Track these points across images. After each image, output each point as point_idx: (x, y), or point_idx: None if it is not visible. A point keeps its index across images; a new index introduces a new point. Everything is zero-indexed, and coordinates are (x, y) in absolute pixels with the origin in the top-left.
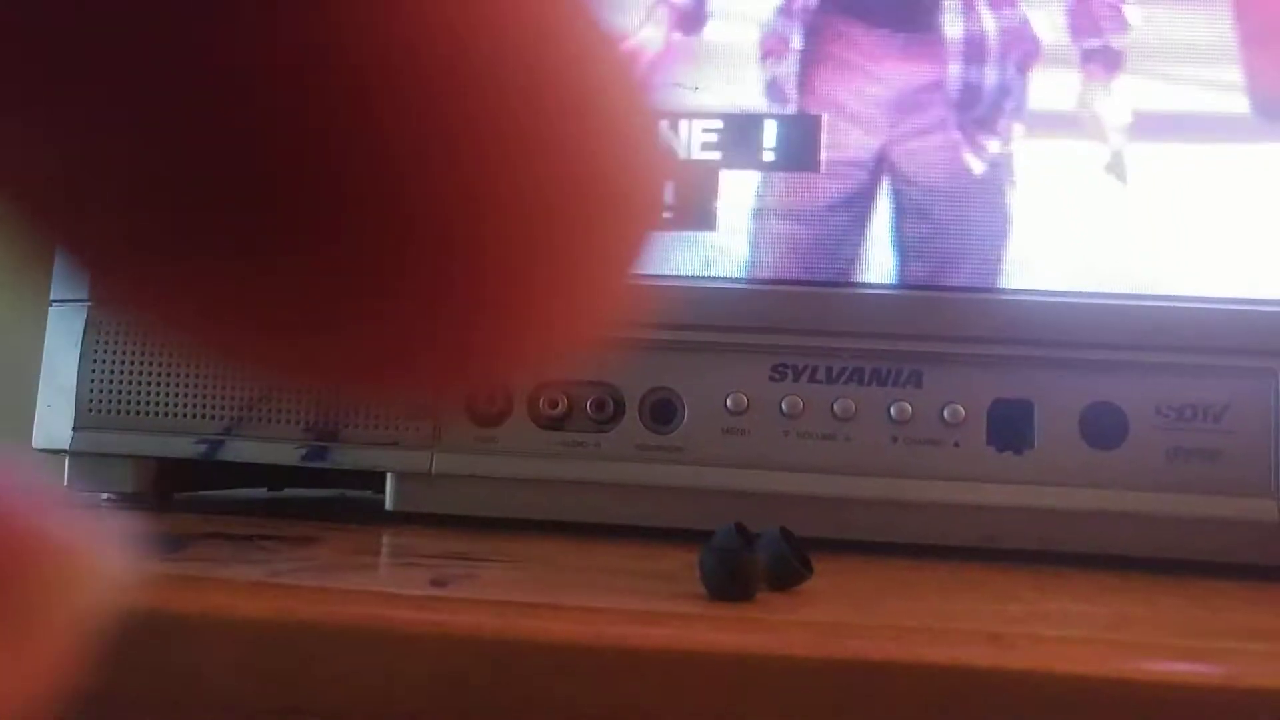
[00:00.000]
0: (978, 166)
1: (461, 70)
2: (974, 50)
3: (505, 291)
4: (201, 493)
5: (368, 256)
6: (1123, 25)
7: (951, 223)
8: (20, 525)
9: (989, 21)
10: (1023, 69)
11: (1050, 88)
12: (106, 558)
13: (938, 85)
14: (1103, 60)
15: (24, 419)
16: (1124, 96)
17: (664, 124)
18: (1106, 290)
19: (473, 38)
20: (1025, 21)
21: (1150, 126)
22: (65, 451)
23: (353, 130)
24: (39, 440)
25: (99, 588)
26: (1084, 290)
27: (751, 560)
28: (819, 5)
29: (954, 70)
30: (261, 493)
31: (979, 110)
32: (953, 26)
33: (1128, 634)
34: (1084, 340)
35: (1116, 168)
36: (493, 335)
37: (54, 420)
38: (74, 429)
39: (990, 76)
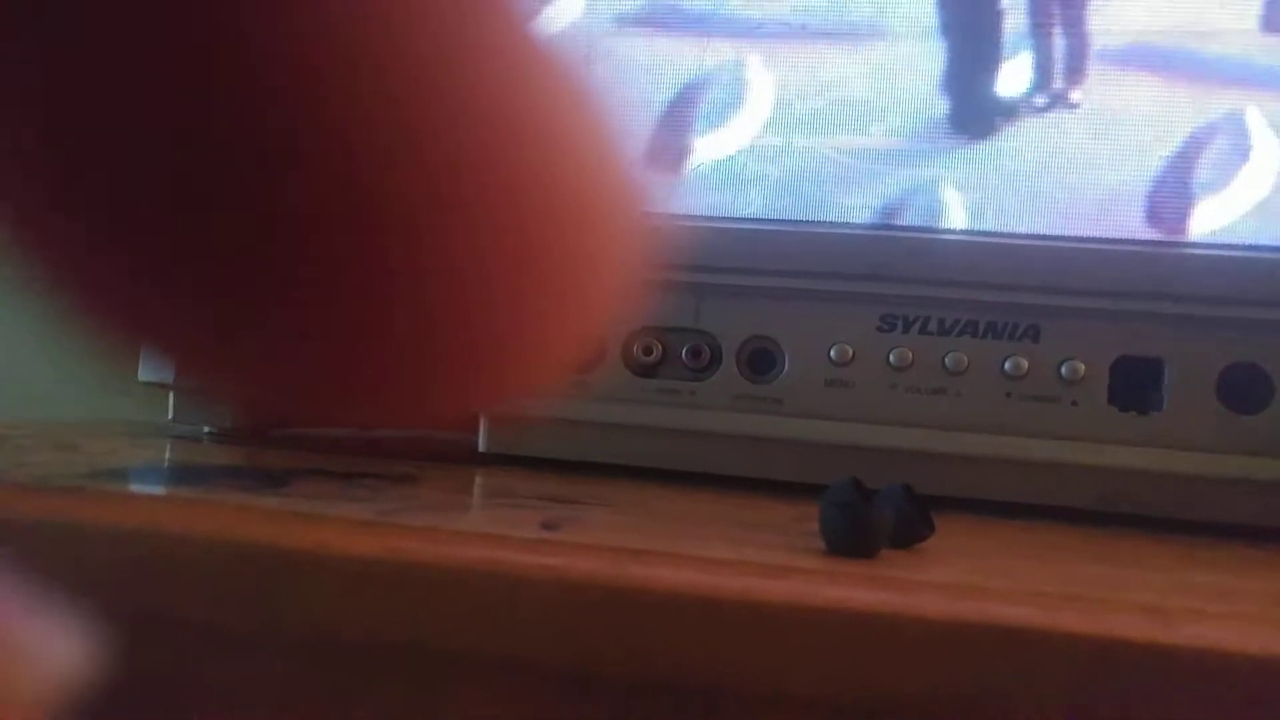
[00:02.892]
0: (1110, 107)
1: (470, 99)
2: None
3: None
4: (296, 430)
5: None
6: None
7: (1076, 167)
8: None
9: None
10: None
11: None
12: (54, 644)
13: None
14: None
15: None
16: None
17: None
18: (1249, 242)
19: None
20: None
21: None
22: (170, 385)
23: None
24: (144, 374)
25: (52, 672)
26: (1224, 242)
27: (879, 516)
28: None
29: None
30: (353, 432)
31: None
32: None
33: None
34: (1224, 296)
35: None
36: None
37: (157, 363)
38: (176, 371)
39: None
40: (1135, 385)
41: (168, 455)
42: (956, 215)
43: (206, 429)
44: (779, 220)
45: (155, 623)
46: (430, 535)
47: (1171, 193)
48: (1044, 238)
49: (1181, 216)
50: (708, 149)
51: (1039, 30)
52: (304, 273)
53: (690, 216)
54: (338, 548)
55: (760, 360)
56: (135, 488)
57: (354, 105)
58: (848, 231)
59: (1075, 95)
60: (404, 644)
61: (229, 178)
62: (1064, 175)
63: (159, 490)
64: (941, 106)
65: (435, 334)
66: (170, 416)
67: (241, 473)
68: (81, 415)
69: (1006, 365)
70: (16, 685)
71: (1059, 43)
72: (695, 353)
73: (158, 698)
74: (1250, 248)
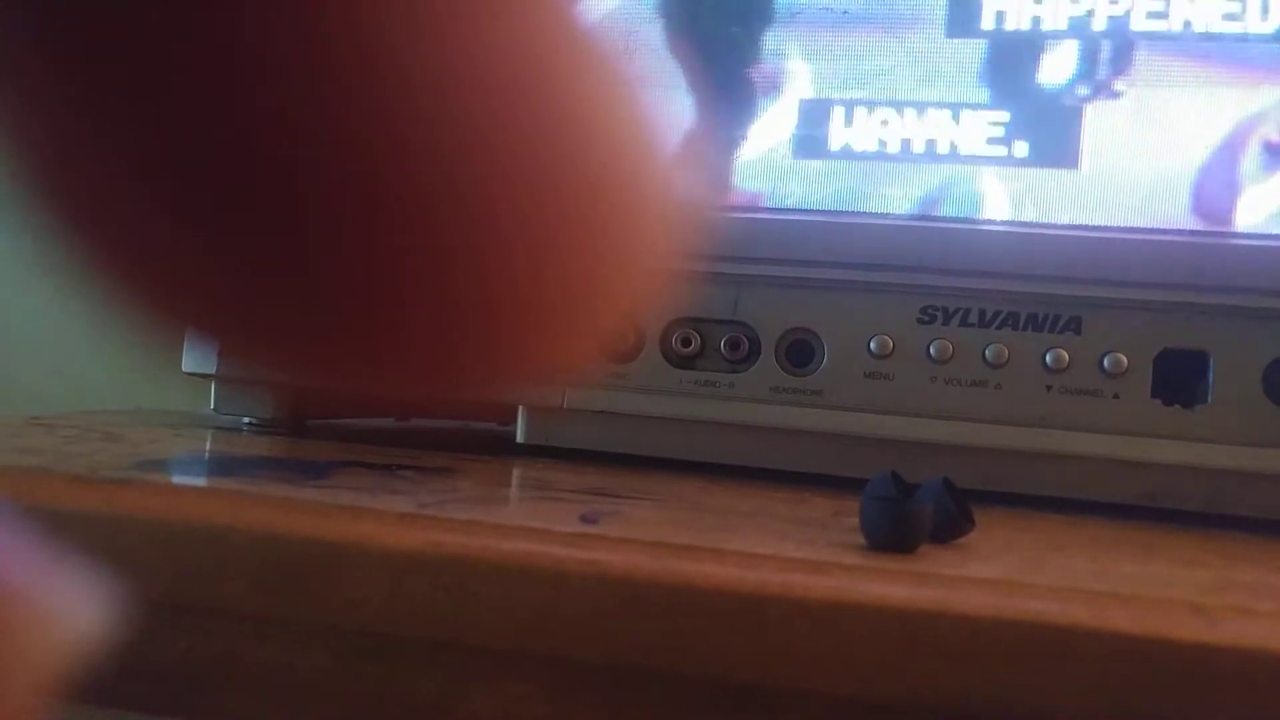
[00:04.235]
0: (1154, 97)
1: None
2: None
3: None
4: (334, 420)
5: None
6: None
7: (1121, 158)
8: None
9: None
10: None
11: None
12: (71, 607)
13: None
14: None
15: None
16: None
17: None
18: None
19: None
20: None
21: None
22: (212, 376)
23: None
24: (188, 365)
25: (64, 637)
26: (1270, 233)
27: (921, 511)
28: None
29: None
30: (389, 422)
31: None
32: None
33: None
34: (1270, 288)
35: None
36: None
37: (202, 347)
38: (219, 354)
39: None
40: (1179, 379)
41: (210, 446)
42: (998, 206)
43: (246, 420)
44: (818, 211)
45: (200, 613)
46: (470, 528)
47: (1217, 183)
48: (1086, 229)
49: (1227, 207)
50: (746, 139)
51: (1082, 18)
52: (342, 259)
53: (729, 207)
54: (378, 540)
55: (799, 352)
56: (181, 479)
57: (397, 92)
58: (888, 222)
59: (1119, 84)
60: (443, 637)
61: (269, 162)
62: (1107, 165)
63: (204, 482)
64: (983, 96)
65: (475, 319)
66: (212, 407)
67: (283, 464)
68: (123, 405)
69: (1048, 358)
70: (27, 648)
71: (1103, 31)
72: (734, 344)
73: (201, 686)
74: None
